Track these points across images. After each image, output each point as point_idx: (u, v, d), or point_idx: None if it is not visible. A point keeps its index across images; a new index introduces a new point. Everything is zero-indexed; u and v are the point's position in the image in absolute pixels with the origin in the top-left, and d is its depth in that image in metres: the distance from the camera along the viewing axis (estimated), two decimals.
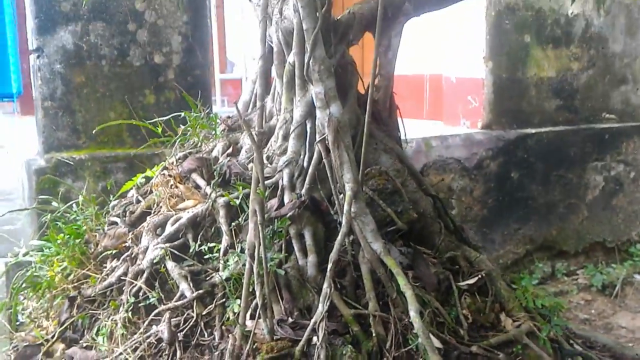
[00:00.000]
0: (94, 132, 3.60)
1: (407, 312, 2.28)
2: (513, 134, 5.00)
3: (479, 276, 2.57)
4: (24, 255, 2.82)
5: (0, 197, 5.14)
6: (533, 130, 5.08)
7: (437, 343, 2.28)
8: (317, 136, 2.33)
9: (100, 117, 3.78)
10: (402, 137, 3.19)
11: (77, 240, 2.70)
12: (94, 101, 3.77)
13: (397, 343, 2.25)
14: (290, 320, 2.27)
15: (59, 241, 2.69)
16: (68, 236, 2.69)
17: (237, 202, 2.43)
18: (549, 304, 2.54)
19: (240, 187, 2.47)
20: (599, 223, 5.29)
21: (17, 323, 2.72)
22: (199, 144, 2.83)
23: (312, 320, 2.19)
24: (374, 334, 2.23)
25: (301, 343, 2.18)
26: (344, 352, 2.17)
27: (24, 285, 2.71)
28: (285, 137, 2.60)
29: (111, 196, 3.07)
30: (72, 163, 3.64)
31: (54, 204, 2.92)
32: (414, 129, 5.03)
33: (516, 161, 4.98)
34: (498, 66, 4.97)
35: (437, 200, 2.77)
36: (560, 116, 5.27)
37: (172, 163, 2.72)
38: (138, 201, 2.79)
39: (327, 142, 2.31)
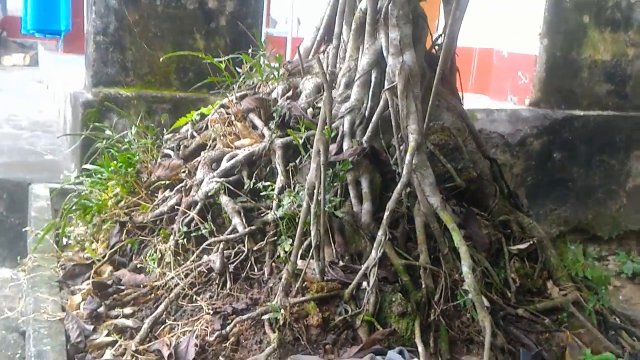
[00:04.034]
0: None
1: (457, 268, 2.28)
2: (560, 114, 4.91)
3: (530, 242, 2.55)
4: (76, 178, 2.83)
5: (40, 128, 5.21)
6: (581, 113, 4.99)
7: (485, 302, 2.27)
8: (387, 84, 2.29)
9: (149, 57, 3.78)
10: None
11: (129, 170, 2.71)
12: (145, 40, 3.75)
13: (446, 297, 2.24)
14: (341, 263, 2.27)
15: (111, 168, 2.71)
16: (120, 164, 2.70)
17: (300, 142, 2.40)
18: (596, 276, 2.51)
19: (304, 129, 2.45)
20: (636, 212, 5.20)
21: (63, 244, 2.74)
22: (258, 86, 2.81)
23: (364, 266, 2.19)
24: (423, 286, 2.23)
25: (351, 286, 2.18)
26: (393, 299, 2.17)
27: (74, 207, 2.73)
28: (348, 85, 2.56)
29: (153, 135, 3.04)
30: (119, 99, 3.65)
31: (108, 132, 2.93)
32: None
33: (560, 142, 4.90)
34: (553, 44, 4.86)
35: (494, 164, 2.73)
36: (610, 101, 5.16)
37: (231, 101, 2.70)
38: (193, 136, 2.78)
39: (395, 90, 2.28)
